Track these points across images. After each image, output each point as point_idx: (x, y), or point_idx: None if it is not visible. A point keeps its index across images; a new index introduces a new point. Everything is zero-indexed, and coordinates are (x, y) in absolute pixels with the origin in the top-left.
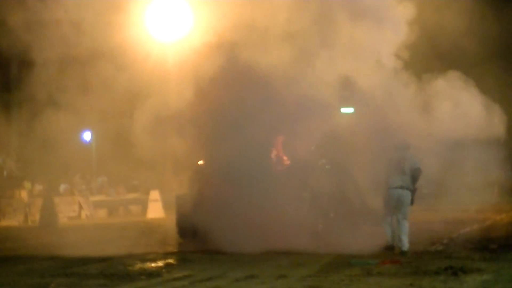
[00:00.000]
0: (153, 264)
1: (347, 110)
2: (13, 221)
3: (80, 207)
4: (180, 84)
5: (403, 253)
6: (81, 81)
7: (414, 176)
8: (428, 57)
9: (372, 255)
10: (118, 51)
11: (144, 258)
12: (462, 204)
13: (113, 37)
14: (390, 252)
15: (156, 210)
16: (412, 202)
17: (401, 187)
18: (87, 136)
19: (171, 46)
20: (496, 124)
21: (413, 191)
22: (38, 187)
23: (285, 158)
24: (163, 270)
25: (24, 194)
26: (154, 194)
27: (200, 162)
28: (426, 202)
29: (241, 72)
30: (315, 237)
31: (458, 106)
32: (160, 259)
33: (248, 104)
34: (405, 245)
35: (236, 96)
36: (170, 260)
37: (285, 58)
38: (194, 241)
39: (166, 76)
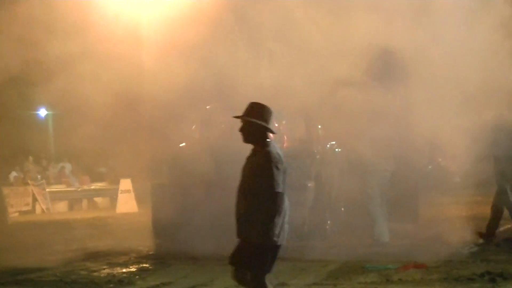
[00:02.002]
0: (123, 269)
1: None
2: None
3: (35, 199)
4: (155, 53)
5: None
6: (36, 46)
7: None
8: None
9: (393, 257)
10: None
11: (112, 261)
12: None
13: None
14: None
15: (127, 203)
16: None
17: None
18: (42, 112)
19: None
20: None
21: None
22: None
23: (284, 138)
24: (136, 276)
25: None
26: (125, 184)
27: (182, 145)
28: (457, 194)
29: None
30: (322, 236)
31: None
32: (132, 263)
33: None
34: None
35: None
36: (145, 264)
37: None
38: (174, 241)
39: (138, 43)
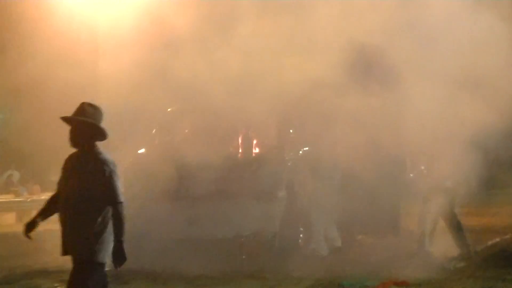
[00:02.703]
0: None
1: None
2: None
3: None
4: (110, 52)
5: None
6: None
7: None
8: None
9: (372, 273)
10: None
11: (65, 278)
12: (491, 206)
13: None
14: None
15: None
16: None
17: None
18: None
19: None
20: None
21: None
22: None
23: (255, 142)
24: None
25: None
26: None
27: (141, 151)
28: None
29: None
30: (295, 251)
31: None
32: None
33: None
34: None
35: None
36: None
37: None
38: (132, 256)
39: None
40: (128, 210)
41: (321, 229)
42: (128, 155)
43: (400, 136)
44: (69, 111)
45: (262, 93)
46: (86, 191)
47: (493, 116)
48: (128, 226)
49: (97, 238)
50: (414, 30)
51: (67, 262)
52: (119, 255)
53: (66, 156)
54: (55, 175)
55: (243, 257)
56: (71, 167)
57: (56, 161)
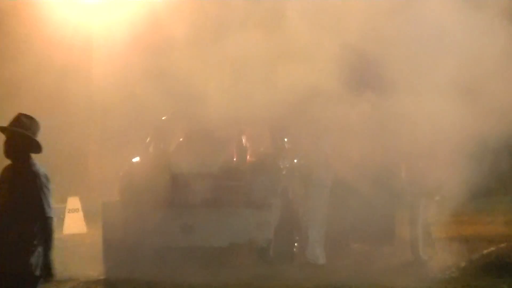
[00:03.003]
0: None
1: None
2: None
3: None
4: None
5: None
6: None
7: None
8: None
9: (367, 282)
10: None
11: (59, 287)
12: (485, 214)
13: None
14: None
15: (75, 223)
16: None
17: None
18: None
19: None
20: None
21: None
22: None
23: (250, 151)
24: None
25: None
26: (73, 202)
27: (135, 159)
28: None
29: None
30: (290, 260)
31: None
32: None
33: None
34: None
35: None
36: None
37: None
38: (127, 265)
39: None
40: (123, 218)
41: (316, 237)
42: (123, 163)
43: (393, 144)
44: (64, 120)
45: (257, 101)
46: (16, 204)
47: (488, 125)
48: (122, 234)
49: (27, 252)
50: (409, 37)
51: (61, 270)
52: (48, 270)
53: (59, 165)
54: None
55: (238, 265)
56: (3, 179)
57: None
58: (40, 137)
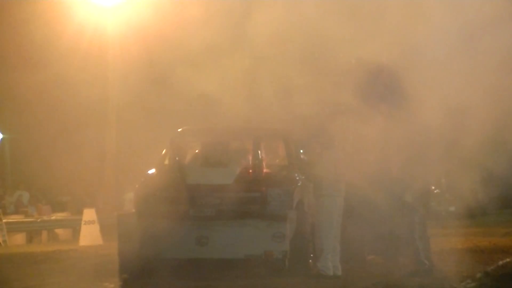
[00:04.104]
0: None
1: None
2: None
3: None
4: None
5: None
6: None
7: None
8: None
9: None
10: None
11: None
12: (501, 226)
13: None
14: None
15: (91, 235)
16: None
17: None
18: None
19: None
20: None
21: None
22: None
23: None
24: None
25: None
26: (89, 214)
27: (151, 171)
28: (453, 224)
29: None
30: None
31: None
32: None
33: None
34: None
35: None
36: None
37: None
38: (143, 276)
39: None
40: (138, 230)
41: (328, 249)
42: (139, 175)
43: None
44: (79, 131)
45: (272, 112)
46: None
47: (502, 137)
48: (138, 246)
49: None
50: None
51: (77, 282)
52: None
53: (76, 176)
54: (65, 196)
55: (253, 276)
56: None
57: (65, 182)
58: (57, 149)
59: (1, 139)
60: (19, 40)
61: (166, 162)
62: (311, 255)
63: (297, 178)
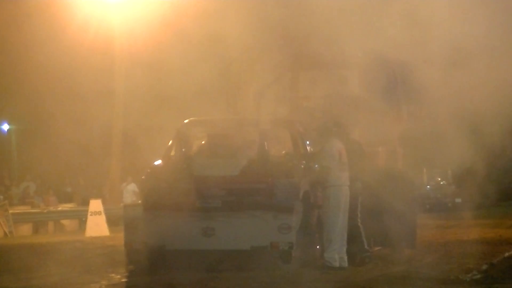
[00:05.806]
0: None
1: None
2: None
3: None
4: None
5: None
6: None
7: None
8: None
9: (388, 285)
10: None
11: None
12: (508, 218)
13: None
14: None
15: (97, 225)
16: None
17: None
18: (4, 126)
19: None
20: None
21: None
22: None
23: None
24: None
25: None
26: (95, 205)
27: (157, 162)
28: (458, 216)
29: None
30: (311, 262)
31: None
32: None
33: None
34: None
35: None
36: None
37: None
38: (149, 267)
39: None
40: (145, 221)
41: (336, 240)
42: (145, 166)
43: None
44: (86, 122)
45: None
46: None
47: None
48: (144, 237)
49: None
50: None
51: (83, 273)
52: None
53: (82, 168)
54: (71, 187)
55: (259, 268)
56: None
57: (72, 173)
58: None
59: (8, 130)
60: (27, 33)
61: (173, 153)
62: (317, 247)
63: (303, 169)
